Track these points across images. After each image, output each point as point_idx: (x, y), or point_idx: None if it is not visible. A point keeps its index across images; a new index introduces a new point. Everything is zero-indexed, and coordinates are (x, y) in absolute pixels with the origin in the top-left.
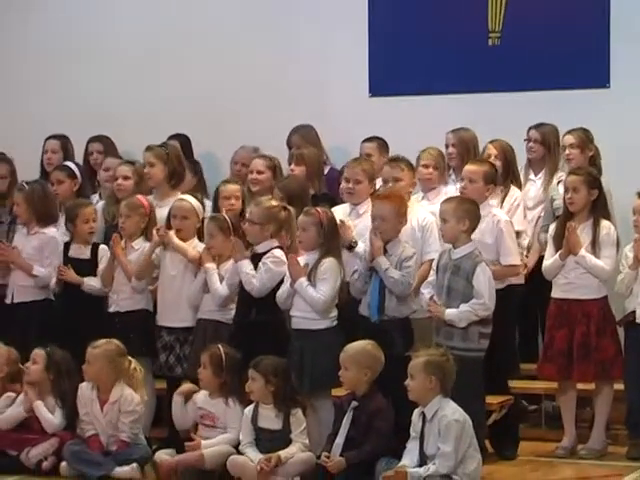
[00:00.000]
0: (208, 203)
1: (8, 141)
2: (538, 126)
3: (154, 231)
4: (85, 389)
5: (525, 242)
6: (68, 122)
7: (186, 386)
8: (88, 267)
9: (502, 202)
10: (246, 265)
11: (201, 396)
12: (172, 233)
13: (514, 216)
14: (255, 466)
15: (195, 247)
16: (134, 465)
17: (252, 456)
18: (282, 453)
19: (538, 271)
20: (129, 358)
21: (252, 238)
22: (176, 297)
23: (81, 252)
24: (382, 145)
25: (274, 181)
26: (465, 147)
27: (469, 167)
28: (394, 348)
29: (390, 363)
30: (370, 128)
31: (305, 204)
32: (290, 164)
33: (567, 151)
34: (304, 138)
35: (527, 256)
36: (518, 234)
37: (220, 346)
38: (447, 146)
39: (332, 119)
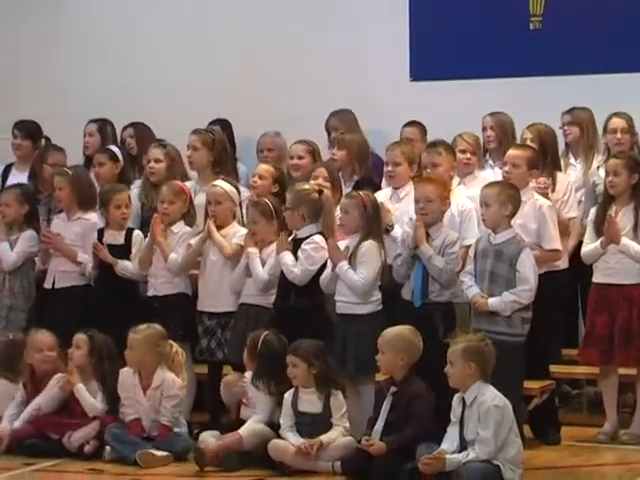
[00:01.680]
0: (243, 189)
1: (56, 127)
2: (570, 110)
3: (199, 223)
4: (127, 375)
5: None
6: (111, 106)
7: (231, 377)
8: (122, 253)
9: (553, 188)
10: (287, 257)
11: (248, 375)
12: (213, 226)
13: (569, 201)
14: (296, 450)
15: (233, 238)
16: (140, 453)
17: (293, 440)
18: (324, 438)
19: (579, 255)
20: (170, 342)
21: (289, 223)
22: (217, 282)
23: (115, 238)
24: (423, 130)
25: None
26: (503, 131)
27: (512, 152)
28: (436, 333)
29: (432, 348)
30: (410, 113)
31: (337, 189)
32: (331, 148)
33: (618, 135)
34: (342, 122)
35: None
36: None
37: (265, 333)
38: (484, 129)
39: (372, 103)
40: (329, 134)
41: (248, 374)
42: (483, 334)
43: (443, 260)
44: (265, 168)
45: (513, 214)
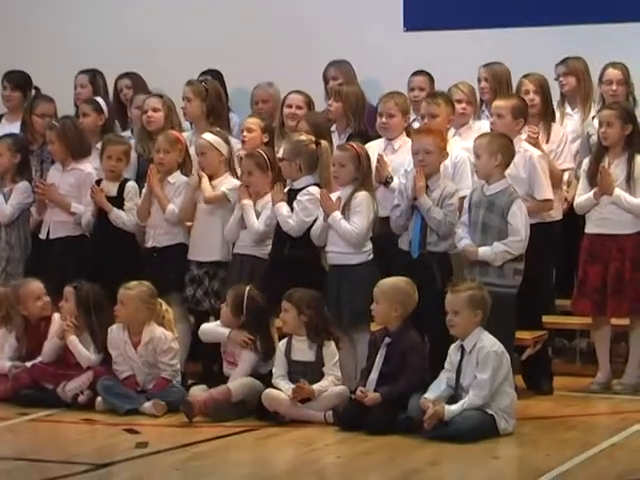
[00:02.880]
0: (235, 140)
1: (48, 77)
2: (564, 61)
3: (194, 172)
4: (116, 331)
5: (565, 177)
6: (102, 57)
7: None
8: (115, 204)
9: (547, 138)
10: (283, 208)
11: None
12: (202, 174)
13: (564, 152)
14: (289, 399)
15: (221, 187)
16: (154, 401)
17: (285, 388)
18: (315, 387)
19: (573, 206)
20: (159, 300)
21: (285, 174)
22: (205, 231)
23: (109, 189)
24: (431, 79)
25: None
26: (498, 81)
27: (497, 102)
28: (433, 283)
29: (429, 297)
30: (404, 63)
31: (329, 140)
32: (328, 99)
33: (614, 86)
34: (341, 71)
35: (567, 191)
36: (566, 171)
37: (248, 288)
38: (479, 80)
39: (366, 54)
40: (326, 83)
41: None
42: (479, 282)
43: (442, 212)
44: (251, 121)
45: (506, 164)
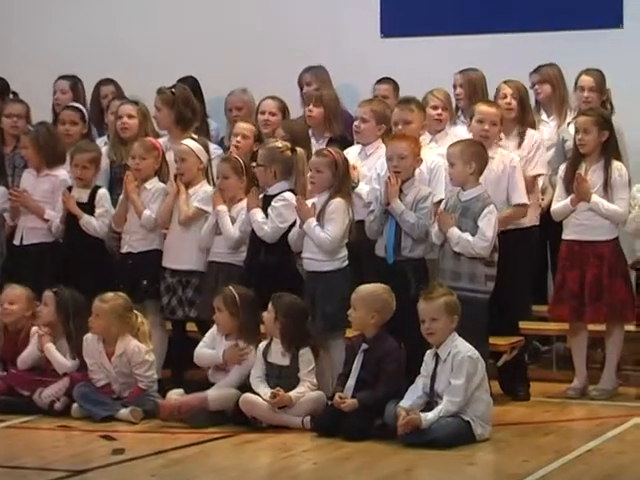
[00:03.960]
0: (214, 146)
1: (25, 81)
2: (537, 69)
3: (172, 180)
4: (91, 341)
5: (540, 184)
6: (81, 62)
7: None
8: (86, 211)
9: (519, 144)
10: (258, 214)
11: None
12: (180, 184)
13: (535, 158)
14: (266, 404)
15: (194, 201)
16: (131, 408)
17: (262, 392)
18: (292, 394)
19: (547, 212)
20: (135, 312)
21: (260, 180)
22: (179, 239)
23: (80, 196)
24: (395, 87)
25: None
26: (473, 88)
27: (489, 109)
28: (408, 289)
29: (404, 304)
30: (381, 69)
31: (307, 147)
32: (307, 105)
33: (586, 93)
34: (317, 77)
35: (543, 198)
36: (538, 177)
37: (231, 287)
38: (455, 87)
39: (343, 60)
40: (301, 89)
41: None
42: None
43: (415, 215)
44: (247, 127)
45: (480, 171)
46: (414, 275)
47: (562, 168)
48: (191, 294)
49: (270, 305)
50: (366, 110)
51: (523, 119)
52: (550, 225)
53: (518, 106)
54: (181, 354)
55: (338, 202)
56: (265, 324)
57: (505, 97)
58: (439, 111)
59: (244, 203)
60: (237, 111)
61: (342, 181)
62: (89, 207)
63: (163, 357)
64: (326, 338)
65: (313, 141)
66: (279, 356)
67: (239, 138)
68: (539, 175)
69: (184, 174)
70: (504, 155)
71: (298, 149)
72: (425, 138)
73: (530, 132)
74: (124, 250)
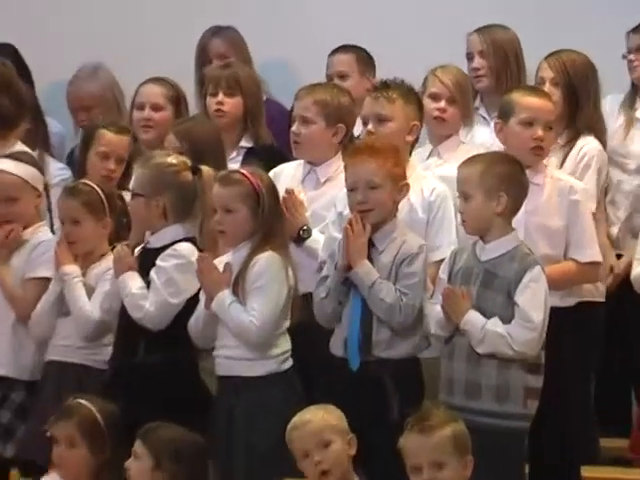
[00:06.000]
0: (58, 165)
1: None
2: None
3: None
4: None
5: (614, 230)
6: None
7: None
8: None
9: (563, 160)
10: (132, 281)
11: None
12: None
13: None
14: None
15: (26, 267)
16: None
17: None
18: None
19: (624, 281)
20: None
21: (136, 220)
22: None
23: None
24: (363, 59)
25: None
26: (503, 58)
27: (543, 102)
28: (386, 411)
29: (379, 434)
30: (342, 31)
31: (219, 163)
32: (214, 92)
33: None
34: (230, 44)
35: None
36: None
37: (85, 402)
38: (470, 57)
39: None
40: (202, 64)
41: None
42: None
43: (395, 288)
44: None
45: (514, 209)
46: (395, 388)
47: None
48: (8, 418)
49: (140, 445)
50: (307, 104)
51: (571, 116)
52: (627, 302)
53: (564, 98)
54: None
55: (268, 259)
56: (132, 476)
57: (542, 83)
58: (441, 104)
59: (109, 262)
60: (84, 112)
61: (271, 223)
62: None
63: None
64: None
65: None
66: None
67: (111, 164)
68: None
69: (10, 220)
70: (558, 181)
71: (204, 169)
72: (420, 151)
73: (581, 142)
74: None
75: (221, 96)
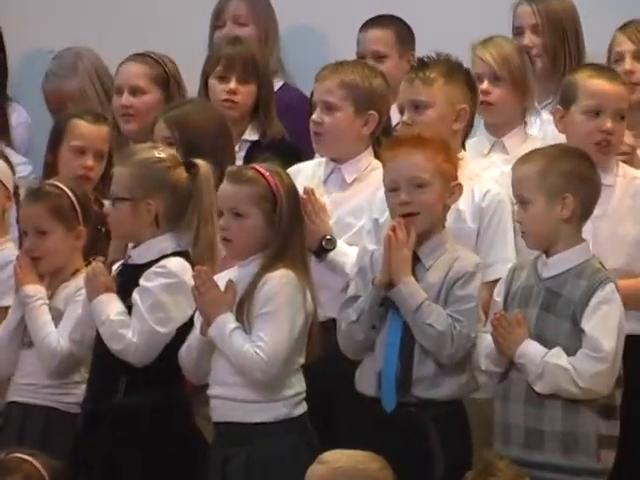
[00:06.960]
0: (21, 160)
1: None
2: None
3: None
4: None
5: None
6: None
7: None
8: None
9: None
10: (110, 306)
11: None
12: None
13: None
14: None
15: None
16: None
17: None
18: None
19: None
20: None
21: (119, 230)
22: None
23: None
24: (404, 36)
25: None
26: (559, 33)
27: (612, 85)
28: (428, 464)
29: None
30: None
31: (222, 157)
32: (224, 76)
33: None
34: (254, 11)
35: None
36: None
37: (31, 458)
38: (519, 32)
39: None
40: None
41: None
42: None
43: (446, 313)
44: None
45: (584, 215)
46: (440, 436)
47: None
48: None
49: None
50: (332, 87)
51: None
52: None
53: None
54: None
55: (281, 277)
56: None
57: (622, 59)
58: (484, 85)
59: (80, 281)
60: (56, 104)
61: (288, 233)
62: None
63: None
64: None
65: None
66: None
67: (89, 160)
68: None
69: None
70: (634, 180)
71: (200, 164)
72: (474, 141)
73: None
74: None
75: (234, 83)
